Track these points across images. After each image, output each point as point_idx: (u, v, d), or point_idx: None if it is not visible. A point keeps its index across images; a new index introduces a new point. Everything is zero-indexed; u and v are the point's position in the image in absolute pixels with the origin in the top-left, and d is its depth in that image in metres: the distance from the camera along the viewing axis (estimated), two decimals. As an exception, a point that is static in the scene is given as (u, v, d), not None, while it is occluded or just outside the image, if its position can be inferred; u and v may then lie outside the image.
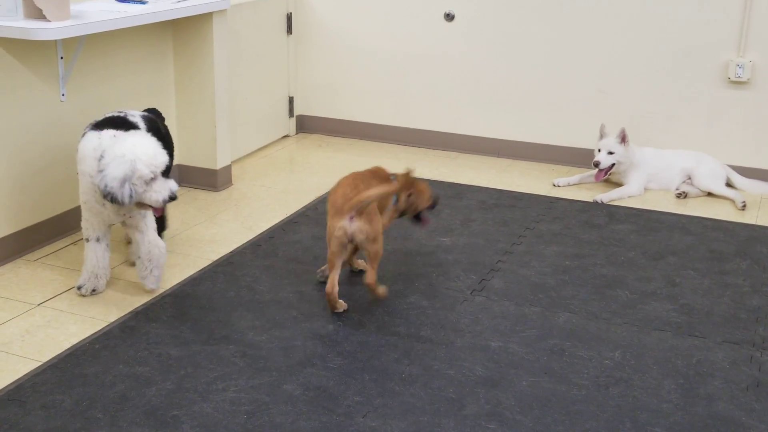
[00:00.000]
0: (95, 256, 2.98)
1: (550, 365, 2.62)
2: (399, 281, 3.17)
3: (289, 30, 4.92)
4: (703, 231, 3.70)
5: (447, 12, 4.70)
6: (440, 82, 4.81)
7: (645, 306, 3.01)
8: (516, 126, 4.73)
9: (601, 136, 4.17)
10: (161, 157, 2.78)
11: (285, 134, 5.06)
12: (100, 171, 2.73)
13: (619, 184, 4.22)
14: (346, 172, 3.11)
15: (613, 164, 4.12)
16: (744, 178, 4.19)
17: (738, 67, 4.17)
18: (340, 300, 2.91)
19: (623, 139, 4.10)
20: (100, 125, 2.91)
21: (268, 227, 3.65)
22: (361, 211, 2.81)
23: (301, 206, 3.92)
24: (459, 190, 4.21)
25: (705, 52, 4.24)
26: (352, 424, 2.31)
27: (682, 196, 4.07)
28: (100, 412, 2.34)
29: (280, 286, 3.06)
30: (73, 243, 3.46)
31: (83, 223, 2.99)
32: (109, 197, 2.70)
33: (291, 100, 5.04)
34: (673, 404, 2.42)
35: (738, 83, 4.20)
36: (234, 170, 4.30)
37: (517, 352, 2.70)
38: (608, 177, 4.22)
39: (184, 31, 3.97)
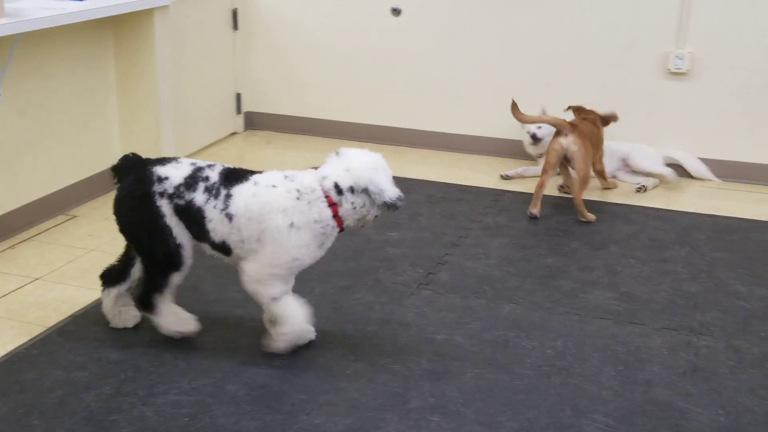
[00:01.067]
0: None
1: (494, 356, 2.66)
2: (346, 277, 3.18)
3: (235, 26, 4.89)
4: (644, 220, 3.77)
5: (394, 7, 4.71)
6: (388, 77, 4.82)
7: (587, 295, 3.06)
8: (464, 120, 4.77)
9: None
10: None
11: (233, 131, 5.03)
12: (370, 193, 2.50)
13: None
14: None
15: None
16: (691, 158, 4.29)
17: (678, 59, 4.25)
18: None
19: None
20: (230, 180, 2.56)
21: (214, 226, 3.63)
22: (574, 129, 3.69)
23: (249, 204, 3.90)
24: (408, 185, 4.21)
25: (646, 45, 4.31)
26: (295, 422, 2.32)
27: (642, 190, 4.12)
28: (37, 419, 2.31)
29: (225, 285, 3.05)
30: (10, 247, 3.40)
31: (275, 290, 2.56)
32: (395, 208, 2.56)
33: (238, 97, 5.01)
34: (612, 391, 2.47)
35: (678, 74, 4.28)
36: (180, 169, 4.26)
37: (461, 345, 2.73)
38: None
39: (124, 28, 3.92)
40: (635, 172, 4.27)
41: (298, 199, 2.49)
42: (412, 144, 4.86)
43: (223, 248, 2.57)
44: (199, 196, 2.52)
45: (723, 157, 4.32)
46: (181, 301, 2.94)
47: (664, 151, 4.32)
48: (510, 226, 3.70)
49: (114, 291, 2.73)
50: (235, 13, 4.87)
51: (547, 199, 4.03)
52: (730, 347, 2.71)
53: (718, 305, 2.99)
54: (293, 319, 2.58)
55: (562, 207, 3.93)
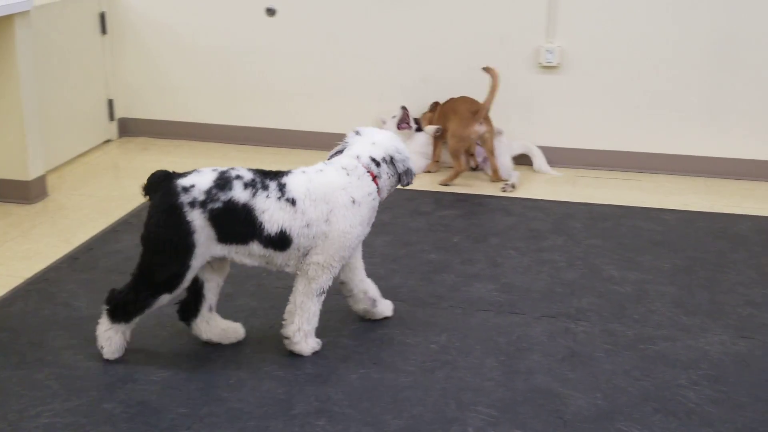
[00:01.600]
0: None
1: (379, 355, 2.65)
2: (227, 284, 3.09)
3: (104, 30, 4.72)
4: (522, 211, 3.86)
5: (268, 7, 4.65)
6: (267, 78, 4.76)
7: (469, 288, 3.10)
8: (347, 118, 4.75)
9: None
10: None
11: (106, 139, 4.85)
12: (391, 164, 2.66)
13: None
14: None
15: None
16: (542, 158, 4.41)
17: (548, 53, 4.36)
18: None
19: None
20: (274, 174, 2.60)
21: (87, 238, 3.48)
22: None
23: (124, 213, 3.77)
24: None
25: (517, 40, 4.41)
26: (176, 436, 2.25)
27: (508, 188, 4.17)
28: None
29: (100, 301, 2.90)
30: None
31: (328, 282, 2.63)
32: (408, 177, 2.70)
33: (111, 103, 4.84)
34: (495, 381, 2.51)
35: (549, 68, 4.41)
36: (50, 180, 4.08)
37: (347, 345, 2.71)
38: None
39: (-19, 35, 3.72)
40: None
41: (348, 175, 2.58)
42: (295, 145, 4.81)
43: (281, 239, 2.51)
44: (239, 193, 2.47)
45: (594, 147, 4.47)
46: (51, 319, 2.82)
47: (521, 142, 4.43)
48: (394, 224, 3.71)
49: (202, 318, 2.66)
50: (102, 17, 4.70)
51: (430, 195, 4.07)
52: (605, 331, 2.80)
53: (593, 291, 3.08)
54: (315, 317, 2.66)
55: (445, 202, 3.97)
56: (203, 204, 2.44)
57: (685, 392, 2.43)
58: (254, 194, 2.48)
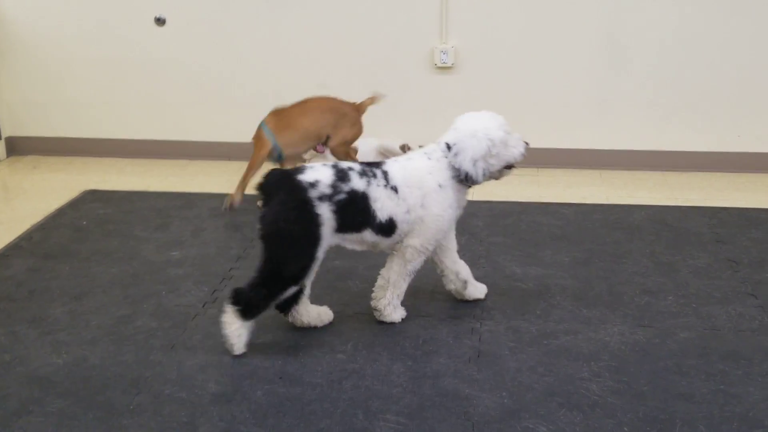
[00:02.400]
0: None
1: (285, 369, 2.61)
2: (125, 305, 3.01)
3: (-17, 45, 4.51)
4: (426, 212, 3.87)
5: (157, 16, 4.53)
6: (160, 89, 4.64)
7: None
8: (243, 127, 4.67)
9: None
10: (498, 116, 2.78)
11: (-7, 159, 4.64)
12: (456, 155, 2.68)
13: None
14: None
15: None
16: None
17: (442, 54, 4.40)
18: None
19: None
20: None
21: (-27, 266, 3.32)
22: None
23: (14, 237, 3.61)
24: (189, 199, 4.09)
25: (412, 41, 4.43)
26: (74, 470, 2.15)
27: None
28: None
29: (-12, 331, 2.78)
30: None
31: (418, 264, 2.81)
32: (465, 176, 2.69)
33: (-5, 122, 4.63)
34: (402, 387, 2.50)
35: (444, 69, 4.44)
36: (-69, 206, 3.87)
37: (251, 362, 2.65)
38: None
39: None
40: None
41: (429, 159, 2.71)
42: (192, 156, 4.71)
43: (389, 226, 2.67)
44: (357, 182, 2.62)
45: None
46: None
47: (380, 141, 4.44)
48: (296, 233, 3.66)
49: (302, 305, 2.79)
50: (-19, 31, 4.49)
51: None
52: (510, 329, 2.82)
53: (497, 289, 3.11)
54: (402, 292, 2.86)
55: (347, 207, 3.95)
56: (330, 197, 2.58)
57: (588, 385, 2.48)
58: (369, 183, 2.64)
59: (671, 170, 4.41)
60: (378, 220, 2.65)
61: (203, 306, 3.01)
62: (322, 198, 2.57)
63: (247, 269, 3.29)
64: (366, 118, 4.49)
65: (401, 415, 2.36)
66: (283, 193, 2.57)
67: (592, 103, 4.41)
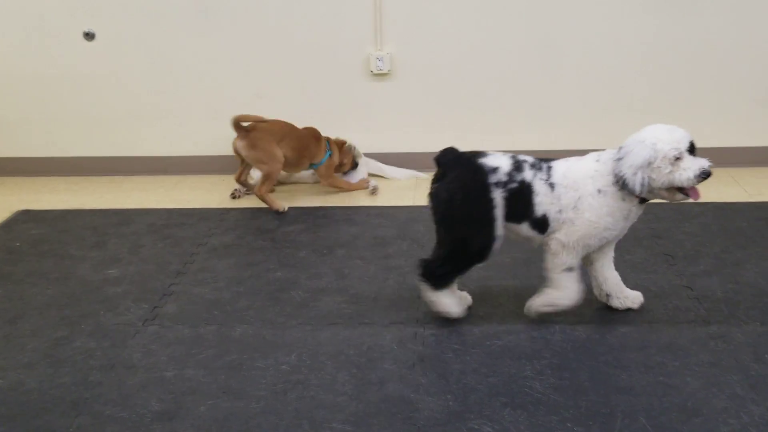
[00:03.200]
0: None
1: (228, 383, 2.57)
2: (62, 326, 2.94)
3: None
4: (367, 219, 3.87)
5: (86, 31, 4.44)
6: (90, 105, 4.55)
7: (318, 303, 3.07)
8: (179, 140, 4.62)
9: None
10: (681, 133, 2.58)
11: None
12: (619, 159, 2.59)
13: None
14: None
15: None
16: (388, 166, 4.48)
17: (378, 60, 4.41)
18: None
19: None
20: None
21: None
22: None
23: (-57, 262, 3.50)
24: (126, 216, 4.02)
25: (348, 48, 4.43)
26: (11, 499, 2.09)
27: (373, 192, 4.20)
28: None
29: None
30: None
31: (574, 261, 2.73)
32: (621, 183, 2.57)
33: None
34: (347, 396, 2.49)
35: (380, 75, 4.45)
36: None
37: (193, 377, 2.61)
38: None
39: None
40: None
41: (597, 161, 2.66)
42: (126, 172, 4.63)
43: (543, 222, 2.69)
44: (527, 174, 2.67)
45: (431, 150, 4.54)
46: None
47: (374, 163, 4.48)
48: (237, 245, 3.63)
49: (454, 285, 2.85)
50: None
51: (271, 213, 4.02)
52: (453, 332, 2.83)
53: (440, 292, 3.12)
54: (569, 290, 2.76)
55: (288, 217, 3.93)
56: (504, 185, 2.66)
57: (531, 383, 2.50)
58: (535, 176, 2.68)
59: (606, 168, 4.49)
60: (535, 215, 2.68)
61: (143, 323, 2.95)
62: (498, 184, 2.65)
63: (187, 284, 3.25)
64: (302, 125, 4.49)
65: (347, 423, 2.35)
66: (465, 173, 2.68)
67: (528, 106, 4.46)
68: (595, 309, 2.93)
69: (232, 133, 4.47)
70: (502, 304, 3.00)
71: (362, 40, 4.41)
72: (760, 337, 2.70)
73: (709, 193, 4.04)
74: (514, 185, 2.66)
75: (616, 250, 3.41)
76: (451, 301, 2.84)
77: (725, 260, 3.28)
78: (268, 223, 3.87)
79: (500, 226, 2.71)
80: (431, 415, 2.37)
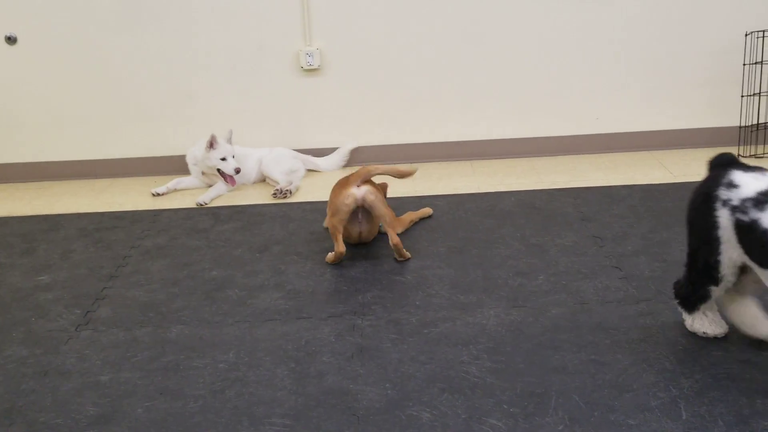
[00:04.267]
0: None
1: (165, 384, 2.55)
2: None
3: None
4: (302, 215, 3.87)
5: (7, 35, 4.34)
6: (13, 110, 4.44)
7: (254, 300, 3.06)
8: (109, 143, 4.55)
9: (220, 145, 4.17)
10: None
11: None
12: None
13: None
14: None
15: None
16: (320, 159, 4.48)
17: (308, 56, 4.40)
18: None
19: (211, 145, 4.14)
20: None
21: None
22: (365, 180, 3.29)
23: None
24: (56, 221, 3.93)
25: (277, 45, 4.41)
26: None
27: (280, 194, 4.16)
28: None
29: None
30: None
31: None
32: None
33: None
34: (287, 390, 2.49)
35: (311, 71, 4.45)
36: None
37: (129, 380, 2.58)
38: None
39: None
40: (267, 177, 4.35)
41: None
42: (56, 177, 4.54)
43: None
44: (766, 218, 2.23)
45: (364, 144, 4.57)
46: None
47: (304, 158, 4.45)
48: (171, 246, 3.59)
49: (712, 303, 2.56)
50: None
51: (207, 211, 3.98)
52: (391, 321, 2.86)
53: (377, 284, 3.14)
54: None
55: (223, 216, 3.90)
56: (733, 209, 2.31)
57: (468, 368, 2.54)
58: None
59: (538, 155, 4.57)
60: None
61: (76, 329, 2.90)
62: (725, 203, 2.32)
63: (120, 288, 3.20)
64: (234, 124, 4.46)
65: (287, 418, 2.35)
66: (704, 179, 2.44)
67: (460, 97, 4.51)
68: (528, 292, 2.99)
69: (163, 134, 4.45)
70: (437, 293, 3.04)
71: (291, 36, 4.40)
72: (686, 312, 2.79)
73: (636, 176, 4.15)
74: (743, 218, 2.27)
75: (547, 234, 3.49)
76: (706, 320, 2.58)
77: (652, 240, 3.38)
78: (202, 223, 3.84)
79: (725, 252, 2.37)
80: (370, 404, 2.39)
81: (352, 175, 3.32)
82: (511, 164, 4.49)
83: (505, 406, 2.33)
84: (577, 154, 4.57)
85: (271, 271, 3.30)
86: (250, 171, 4.33)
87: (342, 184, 3.32)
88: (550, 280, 3.08)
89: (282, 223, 3.79)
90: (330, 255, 3.33)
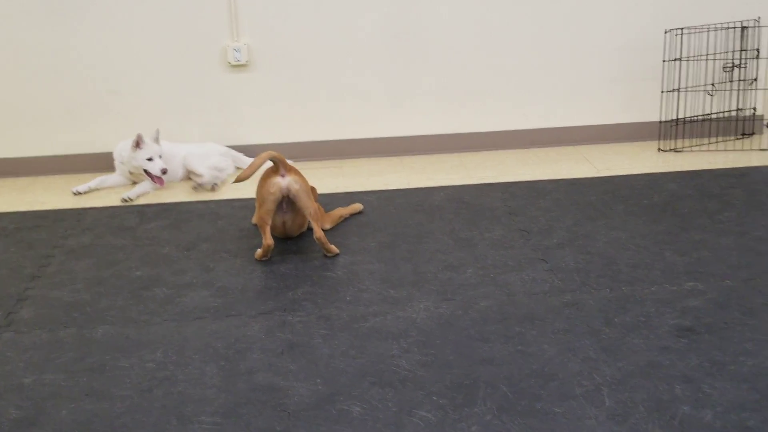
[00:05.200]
0: None
1: (91, 385, 2.50)
2: None
3: None
4: (232, 212, 3.83)
5: None
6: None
7: (183, 298, 3.02)
8: (30, 140, 4.43)
9: (147, 145, 4.08)
10: None
11: None
12: None
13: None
14: None
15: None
16: (250, 158, 4.45)
17: (235, 51, 4.36)
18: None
19: (137, 144, 4.06)
20: None
21: None
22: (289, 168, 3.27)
23: None
24: (-26, 221, 3.81)
25: (204, 41, 4.36)
26: None
27: (201, 188, 4.10)
28: None
29: None
30: None
31: None
32: None
33: None
34: (216, 388, 2.46)
35: (239, 66, 4.41)
36: None
37: (53, 382, 2.52)
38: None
39: None
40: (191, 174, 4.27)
41: None
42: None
43: None
44: None
45: (294, 140, 4.55)
46: None
47: (234, 155, 4.41)
48: (96, 245, 3.51)
49: None
50: None
51: (132, 209, 3.92)
52: (321, 317, 2.85)
53: (307, 280, 3.13)
54: None
55: (149, 214, 3.84)
56: None
57: (398, 361, 2.56)
58: None
59: (466, 151, 4.63)
60: None
61: (-4, 331, 2.82)
62: None
63: (43, 288, 3.13)
64: (161, 121, 4.39)
65: (216, 416, 2.33)
66: None
67: (388, 93, 4.53)
68: (457, 285, 3.03)
69: (87, 131, 4.35)
70: (368, 288, 3.05)
71: (218, 31, 4.35)
72: (609, 302, 2.86)
73: (561, 170, 4.24)
74: None
75: (475, 228, 3.53)
76: None
77: (577, 233, 3.46)
78: (128, 221, 3.77)
79: None
80: (301, 400, 2.39)
81: (278, 164, 3.30)
82: (440, 160, 4.53)
83: (434, 398, 2.36)
84: (504, 149, 4.64)
85: (199, 269, 3.26)
86: (177, 168, 4.26)
87: (268, 174, 3.32)
88: (478, 273, 3.12)
89: (210, 220, 3.75)
90: (258, 251, 3.31)
